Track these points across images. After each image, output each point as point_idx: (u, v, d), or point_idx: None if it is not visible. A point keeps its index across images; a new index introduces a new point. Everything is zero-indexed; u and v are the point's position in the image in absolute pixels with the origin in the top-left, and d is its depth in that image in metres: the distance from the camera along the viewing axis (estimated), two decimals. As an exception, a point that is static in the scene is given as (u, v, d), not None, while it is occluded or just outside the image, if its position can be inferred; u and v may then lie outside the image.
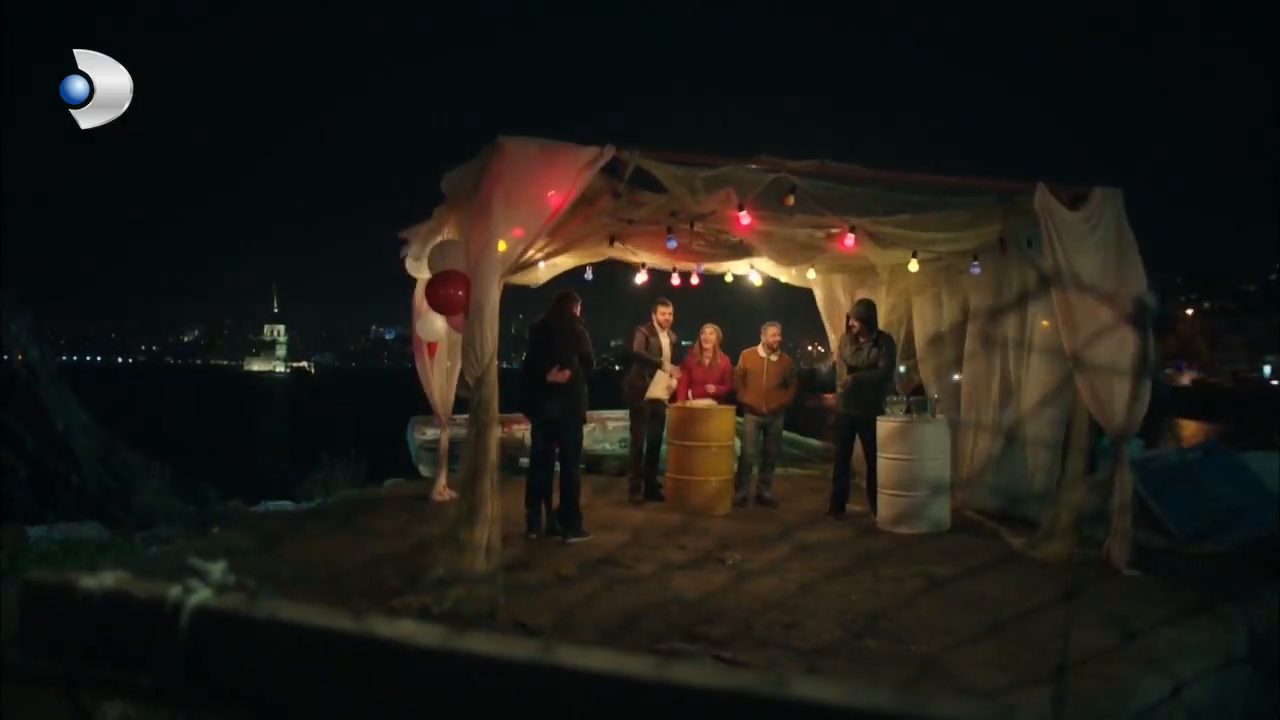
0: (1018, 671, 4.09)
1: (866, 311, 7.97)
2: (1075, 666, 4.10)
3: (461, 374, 5.61)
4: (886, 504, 7.45)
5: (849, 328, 8.08)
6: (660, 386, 8.50)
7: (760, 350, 8.45)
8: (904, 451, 7.35)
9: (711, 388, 8.36)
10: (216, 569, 0.88)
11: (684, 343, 9.03)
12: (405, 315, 8.11)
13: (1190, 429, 29.49)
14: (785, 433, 9.13)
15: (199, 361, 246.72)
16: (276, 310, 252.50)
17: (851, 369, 7.85)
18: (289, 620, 0.83)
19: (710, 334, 8.65)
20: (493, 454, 5.27)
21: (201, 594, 0.86)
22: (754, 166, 6.06)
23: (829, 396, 10.12)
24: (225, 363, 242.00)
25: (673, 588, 5.48)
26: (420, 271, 7.37)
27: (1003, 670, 4.10)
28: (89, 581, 0.90)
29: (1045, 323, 7.78)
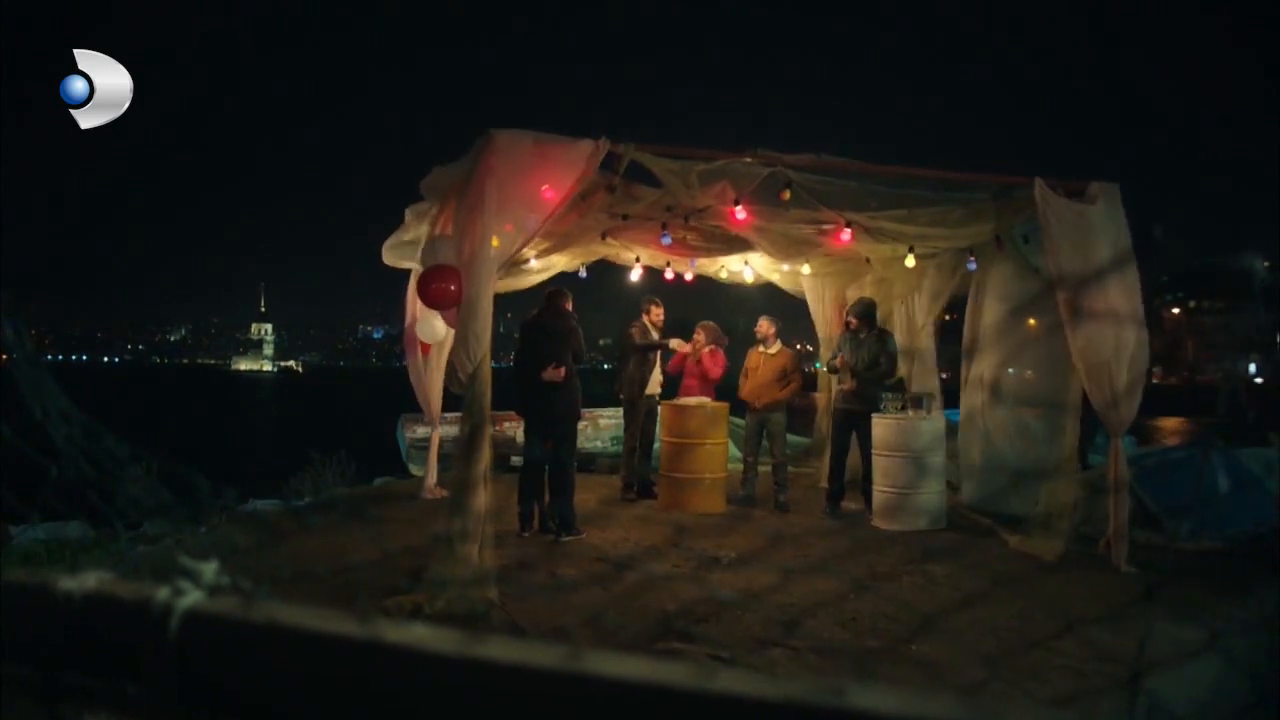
0: (1022, 670, 4.06)
1: (865, 309, 7.94)
2: (1079, 664, 4.06)
3: (451, 370, 5.51)
4: (882, 501, 7.40)
5: (847, 325, 8.05)
6: (653, 382, 8.46)
7: (756, 344, 8.40)
8: (900, 448, 7.31)
9: (705, 399, 8.25)
10: (209, 569, 0.81)
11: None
12: (394, 315, 8.04)
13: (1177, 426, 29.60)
14: None
15: (186, 361, 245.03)
16: (263, 310, 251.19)
17: (851, 366, 7.81)
18: (288, 625, 0.76)
19: (700, 333, 8.63)
20: (485, 452, 5.19)
21: (192, 596, 0.79)
22: (750, 160, 6.00)
23: (817, 395, 10.06)
24: (212, 362, 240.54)
25: (668, 587, 5.42)
26: (400, 261, 7.30)
27: (1008, 669, 4.06)
28: (69, 583, 0.83)
29: (1033, 321, 7.75)
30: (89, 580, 0.83)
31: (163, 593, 0.80)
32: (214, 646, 0.78)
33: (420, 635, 0.72)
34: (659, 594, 5.20)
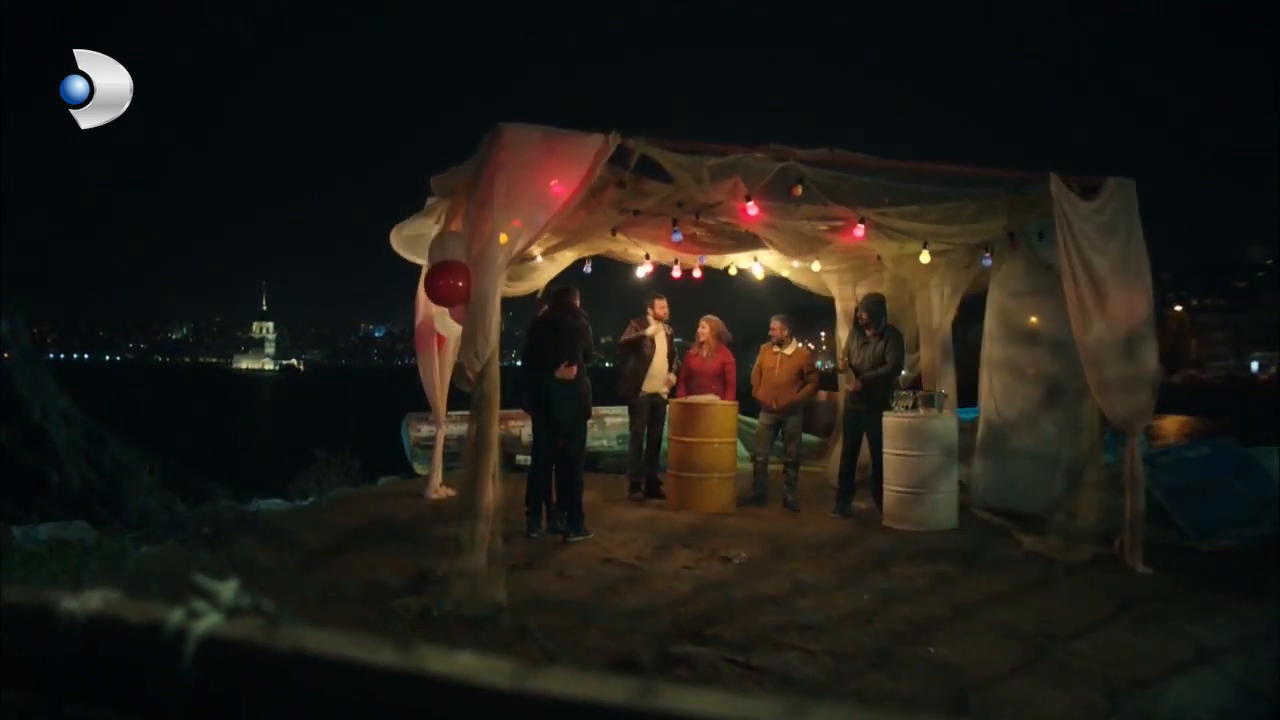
0: (1040, 675, 3.98)
1: (874, 306, 7.85)
2: (1102, 668, 3.98)
3: (460, 368, 5.42)
4: (893, 501, 7.32)
5: (855, 321, 7.97)
6: (658, 380, 8.35)
7: (772, 345, 8.27)
8: (911, 447, 7.22)
9: (714, 397, 8.11)
10: (227, 589, 0.73)
11: (676, 339, 8.84)
12: (395, 313, 7.94)
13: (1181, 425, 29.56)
14: None
15: (187, 359, 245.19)
16: (265, 308, 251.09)
17: (857, 364, 7.74)
18: (316, 652, 0.68)
19: (706, 326, 8.46)
20: (494, 451, 5.11)
21: (210, 619, 0.71)
22: (761, 155, 5.90)
23: (823, 394, 9.98)
24: (214, 360, 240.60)
25: (679, 588, 5.34)
26: (403, 249, 7.21)
27: (1026, 673, 3.98)
28: (72, 603, 0.75)
29: (1034, 319, 7.67)
30: (94, 600, 0.75)
31: (176, 615, 0.72)
32: (233, 675, 0.70)
33: (468, 666, 0.65)
34: (670, 595, 5.12)
